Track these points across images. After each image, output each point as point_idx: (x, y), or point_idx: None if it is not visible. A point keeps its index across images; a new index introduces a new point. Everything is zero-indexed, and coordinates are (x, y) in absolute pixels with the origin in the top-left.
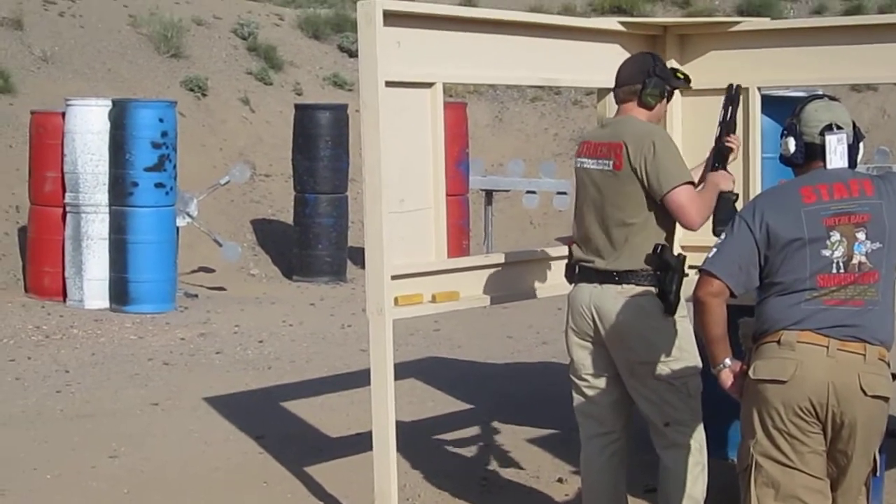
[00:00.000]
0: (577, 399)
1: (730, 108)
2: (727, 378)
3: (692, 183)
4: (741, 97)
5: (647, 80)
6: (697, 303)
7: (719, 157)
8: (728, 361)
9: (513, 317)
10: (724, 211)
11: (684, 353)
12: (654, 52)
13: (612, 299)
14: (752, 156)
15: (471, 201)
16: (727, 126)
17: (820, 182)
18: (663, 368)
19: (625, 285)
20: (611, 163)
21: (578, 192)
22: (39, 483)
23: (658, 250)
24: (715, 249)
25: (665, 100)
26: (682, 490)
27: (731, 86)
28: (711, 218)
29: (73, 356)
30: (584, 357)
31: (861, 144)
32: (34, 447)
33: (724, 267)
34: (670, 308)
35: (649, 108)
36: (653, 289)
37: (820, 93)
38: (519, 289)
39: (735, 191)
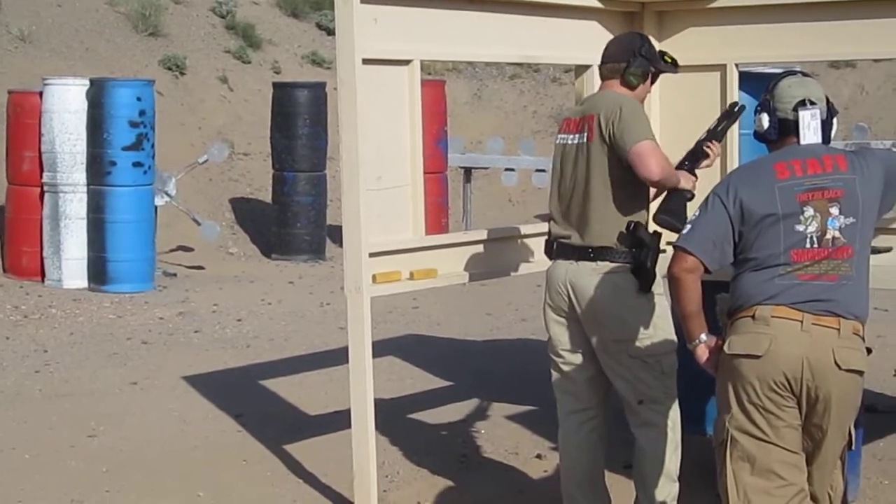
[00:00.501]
0: (555, 375)
1: (724, 122)
2: (703, 353)
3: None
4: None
5: (632, 59)
6: (672, 279)
7: (692, 158)
8: (703, 337)
9: (492, 294)
10: (674, 202)
11: (658, 331)
12: (643, 34)
13: (587, 276)
14: (729, 132)
15: (450, 179)
16: (714, 134)
17: (793, 157)
18: (637, 346)
19: (599, 262)
20: (585, 135)
21: (554, 169)
22: (18, 462)
23: (632, 227)
24: (689, 225)
25: (649, 82)
26: (657, 468)
27: (734, 104)
28: (658, 204)
29: (52, 336)
30: (560, 333)
31: (835, 120)
32: (13, 427)
33: (699, 243)
34: (645, 285)
35: (631, 87)
36: (628, 265)
37: (795, 69)
38: (497, 266)
39: (693, 192)
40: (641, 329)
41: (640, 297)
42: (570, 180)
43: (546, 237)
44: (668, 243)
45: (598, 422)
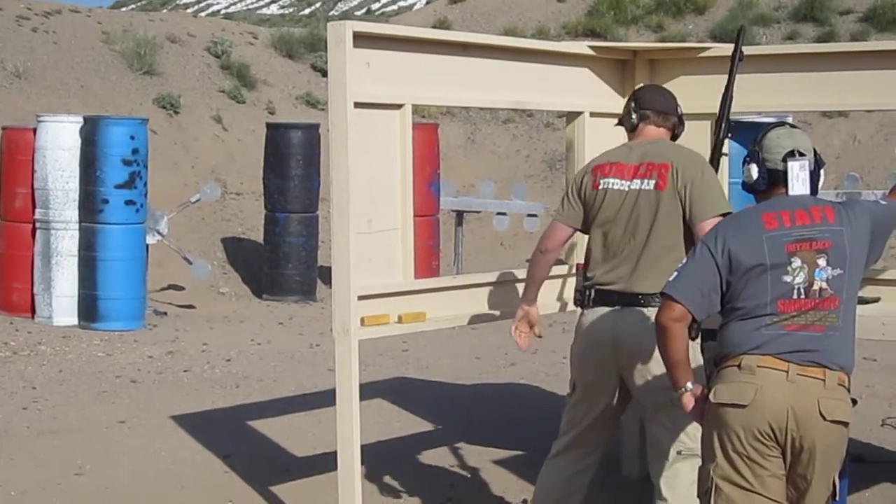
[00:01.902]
0: (572, 416)
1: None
2: (688, 401)
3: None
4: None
5: (681, 116)
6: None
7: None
8: (689, 385)
9: (481, 338)
10: None
11: (701, 381)
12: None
13: (636, 322)
14: (720, 179)
15: (441, 222)
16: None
17: (782, 208)
18: None
19: (650, 308)
20: (653, 182)
21: (598, 214)
22: (4, 499)
23: None
24: (676, 273)
25: None
26: None
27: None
28: None
29: (41, 373)
30: (595, 381)
31: (822, 171)
32: (0, 463)
33: (686, 292)
34: (695, 332)
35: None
36: None
37: (785, 120)
38: (488, 310)
39: None
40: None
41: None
42: (623, 226)
43: (581, 283)
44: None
45: (593, 462)
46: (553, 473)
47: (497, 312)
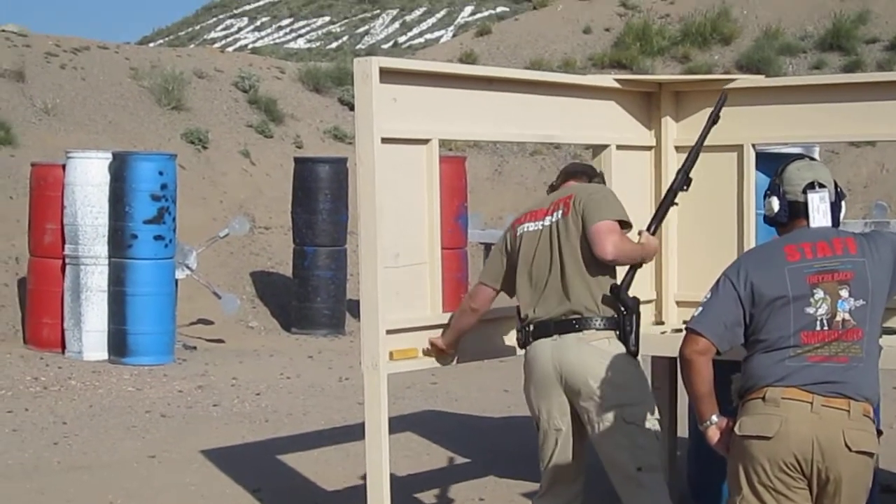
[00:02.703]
0: (543, 454)
1: (679, 175)
2: (714, 435)
3: (626, 224)
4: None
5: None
6: (683, 361)
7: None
8: (715, 418)
9: (509, 370)
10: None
11: (647, 396)
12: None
13: (575, 347)
14: (746, 212)
15: (469, 254)
16: (673, 192)
17: (804, 240)
18: (633, 411)
19: (586, 331)
20: (560, 213)
21: (519, 257)
22: None
23: (614, 291)
24: (700, 308)
25: None
26: None
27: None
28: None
29: (71, 408)
30: (549, 413)
31: (843, 203)
32: (31, 499)
33: (710, 325)
34: (633, 350)
35: None
36: (613, 332)
37: (807, 154)
38: (515, 344)
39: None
40: (634, 393)
41: (629, 362)
42: (547, 259)
43: (519, 325)
44: (684, 322)
45: (577, 493)
46: None
47: None
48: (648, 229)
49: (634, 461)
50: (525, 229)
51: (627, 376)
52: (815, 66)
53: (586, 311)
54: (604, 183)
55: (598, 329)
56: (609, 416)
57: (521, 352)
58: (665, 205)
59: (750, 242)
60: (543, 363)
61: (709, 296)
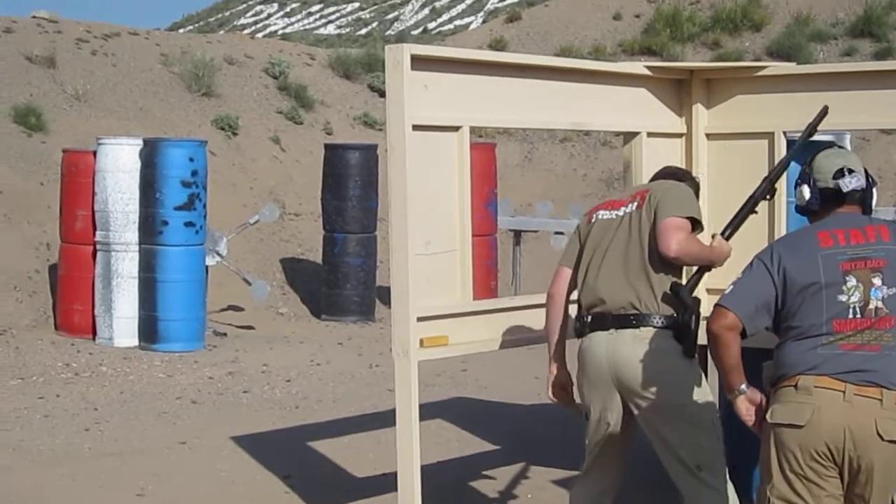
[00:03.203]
0: (590, 446)
1: (764, 185)
2: (742, 404)
3: (697, 223)
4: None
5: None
6: (711, 335)
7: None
8: (744, 387)
9: (539, 358)
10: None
11: (707, 395)
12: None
13: (630, 345)
14: (777, 199)
15: (499, 241)
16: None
17: (837, 227)
18: (691, 410)
19: (644, 328)
20: (636, 204)
21: (588, 243)
22: None
23: (675, 289)
24: (731, 286)
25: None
26: None
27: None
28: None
29: (102, 394)
30: (600, 407)
31: (874, 190)
32: (62, 485)
33: (741, 304)
34: (689, 349)
35: None
36: (670, 331)
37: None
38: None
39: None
40: (693, 393)
41: (686, 361)
42: (617, 250)
43: (578, 312)
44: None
45: (613, 483)
46: (577, 495)
47: None
48: (723, 234)
49: (694, 460)
50: (599, 216)
51: (682, 375)
52: (845, 52)
53: (645, 308)
54: (697, 186)
55: (655, 327)
56: (665, 416)
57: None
58: (744, 211)
59: (781, 230)
60: (598, 357)
61: (741, 276)
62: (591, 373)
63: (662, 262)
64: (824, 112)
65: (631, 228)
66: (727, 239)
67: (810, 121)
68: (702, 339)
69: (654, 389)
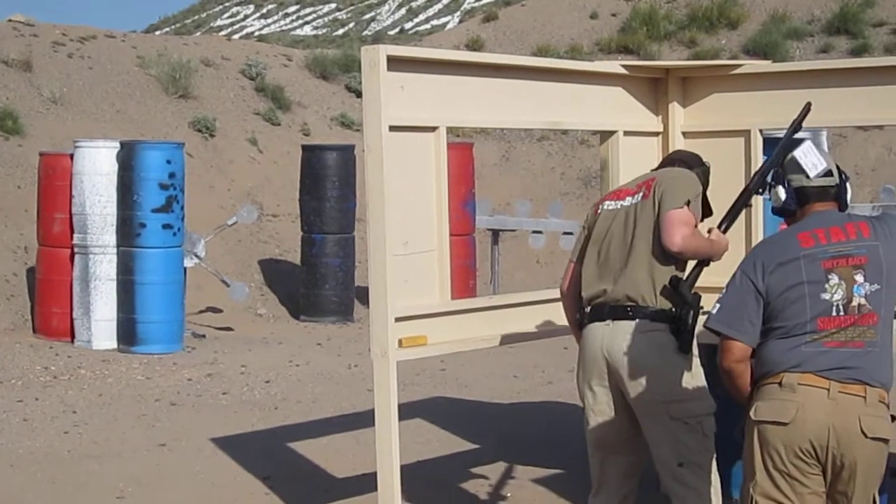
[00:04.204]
0: (590, 441)
1: (756, 177)
2: None
3: (706, 207)
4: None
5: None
6: (725, 372)
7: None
8: None
9: (518, 356)
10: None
11: (699, 392)
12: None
13: (625, 337)
14: (753, 198)
15: (477, 241)
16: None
17: (816, 227)
18: (679, 406)
19: (640, 320)
20: (641, 195)
21: (592, 234)
22: None
23: (674, 283)
24: (718, 305)
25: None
26: None
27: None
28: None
29: (81, 397)
30: (597, 402)
31: (848, 185)
32: (42, 488)
33: (739, 326)
34: (686, 346)
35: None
36: (667, 325)
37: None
38: (524, 330)
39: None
40: (683, 389)
41: (680, 357)
42: (618, 241)
43: (579, 304)
44: (709, 329)
45: (632, 488)
46: None
47: (534, 331)
48: (720, 227)
49: (676, 457)
50: (605, 207)
51: (676, 371)
52: (822, 49)
53: (642, 300)
54: (707, 173)
55: (652, 320)
56: (654, 410)
57: (554, 334)
58: (739, 204)
59: (758, 227)
60: (594, 347)
61: (727, 293)
62: (587, 363)
63: (665, 256)
64: (807, 108)
65: (636, 219)
66: (724, 232)
67: (794, 117)
68: (709, 339)
69: (644, 383)
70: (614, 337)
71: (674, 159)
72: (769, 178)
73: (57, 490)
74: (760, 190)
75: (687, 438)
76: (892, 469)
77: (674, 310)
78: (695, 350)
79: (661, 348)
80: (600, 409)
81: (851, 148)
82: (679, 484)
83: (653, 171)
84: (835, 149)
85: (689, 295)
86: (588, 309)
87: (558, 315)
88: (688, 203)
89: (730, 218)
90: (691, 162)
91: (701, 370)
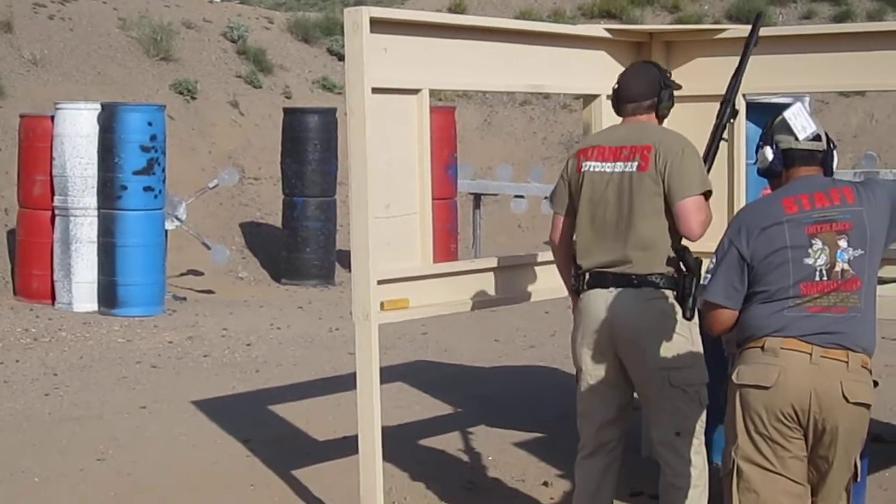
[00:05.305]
0: (583, 407)
1: (722, 108)
2: None
3: (708, 193)
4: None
5: (662, 92)
6: (715, 338)
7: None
8: None
9: (500, 320)
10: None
11: (698, 361)
12: (655, 62)
13: (629, 303)
14: (736, 162)
15: (459, 205)
16: (719, 130)
17: (800, 192)
18: (679, 375)
19: (644, 288)
20: (635, 164)
21: (581, 197)
22: (27, 485)
23: (680, 253)
24: (710, 276)
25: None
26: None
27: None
28: None
29: (62, 359)
30: (593, 365)
31: (835, 153)
32: (22, 450)
33: (726, 293)
34: (690, 312)
35: (663, 119)
36: (670, 292)
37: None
38: (506, 293)
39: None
40: (684, 357)
41: (683, 325)
42: (614, 208)
43: (575, 268)
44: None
45: (616, 454)
46: (582, 475)
47: (516, 295)
48: None
49: (674, 426)
50: (590, 168)
51: (678, 339)
52: (804, 16)
53: (647, 268)
54: (671, 95)
55: (656, 287)
56: (655, 377)
57: (536, 297)
58: (715, 142)
59: (741, 192)
60: (596, 314)
61: (715, 262)
62: (587, 330)
63: (665, 226)
64: (759, 17)
65: (633, 189)
66: (707, 172)
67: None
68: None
69: (647, 350)
70: (618, 304)
71: (631, 99)
72: (759, 142)
73: (37, 452)
74: (732, 120)
75: (684, 407)
76: (873, 434)
77: (677, 277)
78: (696, 319)
79: (664, 316)
80: (596, 375)
81: (833, 114)
82: (673, 453)
83: (625, 121)
84: (817, 115)
85: (692, 261)
86: (587, 276)
87: (540, 279)
88: (704, 193)
89: (710, 157)
90: (650, 95)
91: (700, 339)
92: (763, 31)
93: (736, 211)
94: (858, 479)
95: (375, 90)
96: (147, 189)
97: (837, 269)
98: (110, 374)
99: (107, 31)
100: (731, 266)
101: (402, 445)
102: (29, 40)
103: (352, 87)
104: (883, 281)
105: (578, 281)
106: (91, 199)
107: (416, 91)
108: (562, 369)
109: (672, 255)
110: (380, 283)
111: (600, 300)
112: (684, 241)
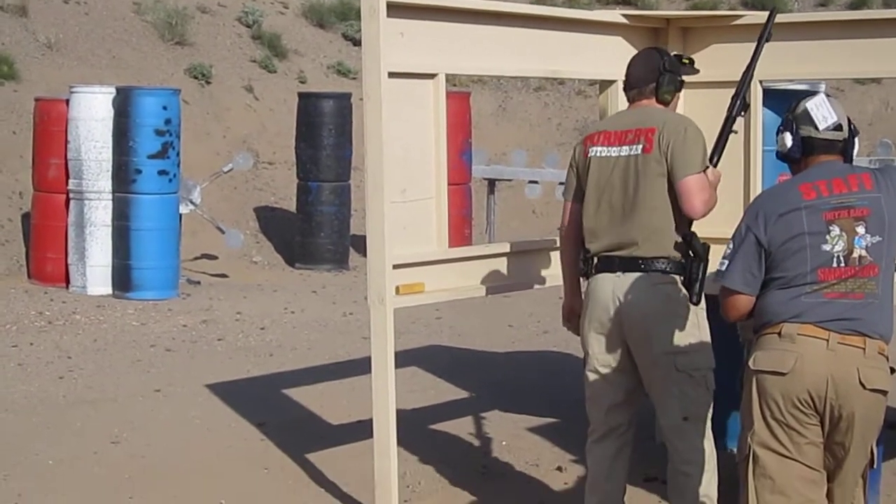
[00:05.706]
0: (591, 392)
1: (734, 101)
2: None
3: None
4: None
5: (661, 77)
6: (730, 324)
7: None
8: None
9: (514, 305)
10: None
11: (704, 346)
12: (659, 46)
13: (637, 288)
14: (753, 148)
15: (473, 190)
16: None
17: (818, 178)
18: (685, 359)
19: (651, 273)
20: (640, 147)
21: (588, 181)
22: (41, 468)
23: (687, 237)
24: (727, 262)
25: (678, 91)
26: (696, 490)
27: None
28: None
29: (76, 342)
30: (601, 350)
31: (856, 140)
32: (37, 432)
33: (743, 279)
34: (697, 297)
35: (666, 103)
36: (677, 277)
37: (818, 89)
38: (520, 278)
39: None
40: (690, 342)
41: (689, 310)
42: (620, 192)
43: (583, 253)
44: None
45: (626, 438)
46: (593, 459)
47: (530, 280)
48: (710, 160)
49: (682, 411)
50: (597, 153)
51: (685, 323)
52: (820, 3)
53: (654, 252)
54: (673, 87)
55: (664, 272)
56: (661, 362)
57: (550, 282)
58: (724, 134)
59: (756, 179)
60: (603, 298)
61: (732, 248)
62: (594, 314)
63: (672, 210)
64: (773, 13)
65: (638, 173)
66: (715, 165)
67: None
68: (712, 290)
69: (654, 334)
70: (625, 288)
71: (635, 84)
72: (780, 126)
73: (52, 435)
74: (742, 113)
75: (691, 392)
76: (889, 421)
77: (684, 261)
78: (703, 303)
79: (671, 300)
80: (604, 360)
81: (849, 102)
82: (681, 438)
83: (631, 106)
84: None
85: (700, 246)
86: (595, 260)
87: (554, 264)
88: (705, 169)
89: (719, 149)
90: (649, 80)
91: (706, 324)
92: (779, 18)
93: (752, 198)
94: (874, 466)
95: (392, 75)
96: (162, 173)
97: (855, 255)
98: (124, 357)
99: (122, 16)
100: (748, 252)
101: (416, 430)
102: (44, 24)
103: (368, 72)
104: None
105: (587, 265)
106: (106, 183)
107: (432, 76)
108: (575, 355)
109: (679, 239)
110: (395, 267)
111: (608, 284)
112: (692, 228)
